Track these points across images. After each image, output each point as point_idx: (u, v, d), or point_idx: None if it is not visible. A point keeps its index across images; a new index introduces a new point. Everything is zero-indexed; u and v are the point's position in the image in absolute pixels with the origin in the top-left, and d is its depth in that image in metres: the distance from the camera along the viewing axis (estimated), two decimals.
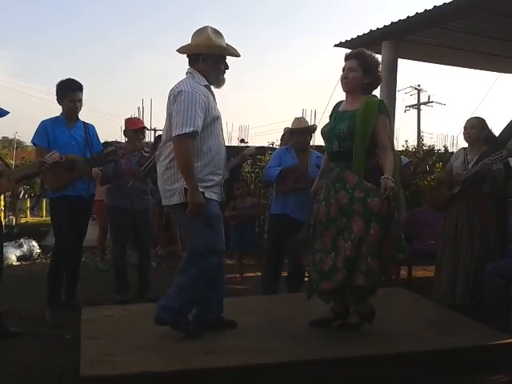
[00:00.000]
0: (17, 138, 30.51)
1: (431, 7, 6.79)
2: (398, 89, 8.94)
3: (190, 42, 3.35)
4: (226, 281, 5.89)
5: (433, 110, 33.64)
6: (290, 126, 4.93)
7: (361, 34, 8.05)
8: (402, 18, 7.28)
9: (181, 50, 3.36)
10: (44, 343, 3.76)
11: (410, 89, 27.49)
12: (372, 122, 3.24)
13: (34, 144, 4.42)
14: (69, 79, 4.40)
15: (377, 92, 8.86)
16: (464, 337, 3.34)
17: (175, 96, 3.14)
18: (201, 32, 3.31)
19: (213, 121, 3.27)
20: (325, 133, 3.49)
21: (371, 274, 3.14)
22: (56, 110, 4.42)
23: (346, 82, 3.37)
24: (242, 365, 2.92)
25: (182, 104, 3.09)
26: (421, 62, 10.01)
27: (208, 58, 3.28)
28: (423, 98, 27.86)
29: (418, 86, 27.67)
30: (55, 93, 4.39)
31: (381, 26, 7.64)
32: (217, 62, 3.32)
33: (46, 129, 4.27)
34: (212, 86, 3.35)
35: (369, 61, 3.36)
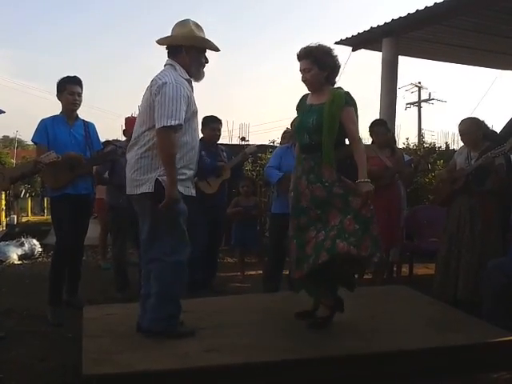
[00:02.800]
0: (17, 136, 30.60)
1: (431, 4, 6.78)
2: (398, 86, 8.94)
3: (170, 33, 3.30)
4: (228, 279, 5.95)
5: (434, 108, 33.59)
6: (292, 129, 4.94)
7: (361, 31, 8.03)
8: (403, 15, 7.27)
9: (162, 42, 3.32)
10: (46, 342, 3.77)
11: (411, 86, 27.45)
12: (339, 114, 3.28)
13: (34, 142, 4.43)
14: (67, 75, 4.40)
15: (377, 89, 8.89)
16: (465, 334, 3.34)
17: (159, 87, 3.08)
18: (183, 24, 3.28)
19: (192, 115, 3.24)
20: (295, 126, 3.55)
21: (334, 250, 3.15)
22: (57, 109, 4.43)
23: (307, 83, 3.41)
24: (243, 363, 2.92)
25: (166, 96, 3.04)
26: (421, 59, 10.00)
27: (190, 50, 3.25)
28: (424, 96, 27.82)
29: (419, 83, 27.62)
30: (56, 91, 4.39)
31: (381, 23, 7.63)
32: (199, 54, 3.30)
33: (45, 127, 4.28)
34: (192, 79, 3.32)
35: (320, 54, 3.34)
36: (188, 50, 3.25)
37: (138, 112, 3.47)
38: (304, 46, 3.40)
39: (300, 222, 3.37)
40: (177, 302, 3.25)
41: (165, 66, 3.29)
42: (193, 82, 3.33)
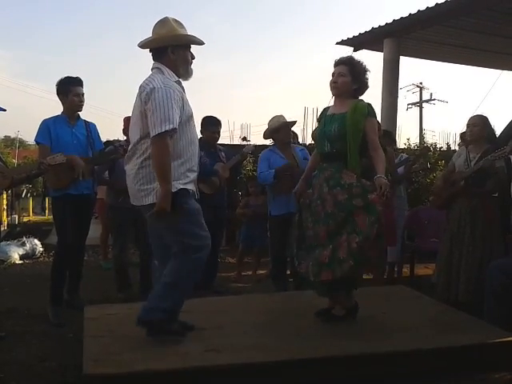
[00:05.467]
0: (19, 136, 30.65)
1: (433, 5, 6.79)
2: (399, 86, 8.96)
3: (151, 35, 3.18)
4: (229, 279, 5.94)
5: (435, 108, 33.53)
6: (270, 126, 4.91)
7: (362, 31, 8.04)
8: (404, 16, 7.28)
9: (146, 45, 3.21)
10: (47, 342, 3.77)
11: (412, 86, 27.42)
12: (362, 123, 3.39)
13: (37, 143, 4.43)
14: (68, 76, 4.40)
15: (378, 90, 8.91)
16: (467, 335, 3.34)
17: (148, 94, 2.98)
18: (163, 23, 3.16)
19: (188, 118, 3.16)
20: (316, 136, 3.62)
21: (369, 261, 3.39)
22: (58, 109, 4.44)
23: (336, 86, 3.50)
24: (244, 363, 2.92)
25: (156, 101, 2.95)
26: (423, 60, 10.01)
27: (176, 49, 3.15)
28: (425, 96, 27.80)
29: (420, 83, 27.60)
30: (57, 91, 4.39)
31: (382, 24, 7.63)
32: (185, 52, 3.19)
33: (48, 127, 4.28)
34: (181, 79, 3.21)
35: (358, 67, 3.49)
36: (174, 49, 3.14)
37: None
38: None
39: (329, 228, 3.36)
40: (181, 299, 3.20)
41: (152, 69, 3.20)
42: (183, 83, 3.23)
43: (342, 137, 3.38)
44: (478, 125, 4.43)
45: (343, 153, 3.39)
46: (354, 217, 3.30)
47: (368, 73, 3.55)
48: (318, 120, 3.71)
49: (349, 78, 3.45)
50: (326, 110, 3.66)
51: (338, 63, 3.53)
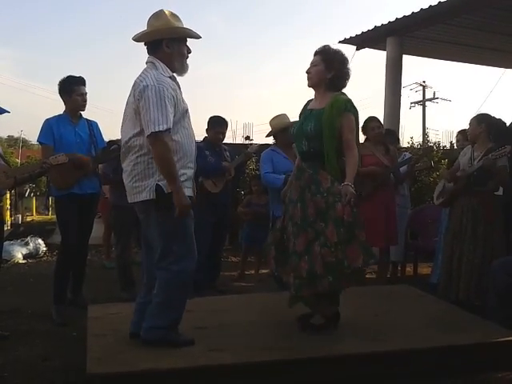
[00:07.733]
0: (22, 136, 30.69)
1: (436, 3, 6.76)
2: (402, 85, 8.94)
3: (146, 28, 3.09)
4: (232, 278, 5.94)
5: (438, 107, 33.54)
6: (278, 126, 4.89)
7: (365, 30, 8.02)
8: (407, 14, 7.26)
9: (141, 38, 3.11)
10: (50, 341, 3.78)
11: (415, 85, 27.41)
12: (337, 120, 3.21)
13: (39, 143, 4.43)
14: (71, 75, 4.39)
15: (381, 89, 8.86)
16: (470, 334, 3.33)
17: (141, 91, 2.89)
18: (159, 16, 3.06)
19: (182, 114, 3.05)
20: (294, 133, 3.45)
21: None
22: (61, 108, 4.43)
23: (309, 76, 3.37)
24: (245, 362, 2.92)
25: (150, 100, 2.86)
26: (426, 58, 9.98)
27: (171, 42, 3.05)
28: (428, 95, 27.77)
29: (423, 82, 27.58)
30: (59, 90, 4.38)
31: (385, 22, 7.61)
32: (180, 45, 3.09)
33: (50, 127, 4.28)
34: (175, 74, 3.11)
35: (331, 56, 3.32)
36: (168, 42, 3.04)
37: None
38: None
39: (309, 236, 3.22)
40: (178, 313, 3.14)
41: (146, 63, 3.10)
42: (178, 78, 3.14)
43: (318, 135, 3.22)
44: (471, 124, 4.52)
45: (320, 152, 3.22)
46: (327, 229, 3.15)
47: (346, 62, 3.36)
48: (299, 115, 3.52)
49: (321, 66, 3.29)
50: (307, 103, 3.48)
51: (314, 54, 3.38)
